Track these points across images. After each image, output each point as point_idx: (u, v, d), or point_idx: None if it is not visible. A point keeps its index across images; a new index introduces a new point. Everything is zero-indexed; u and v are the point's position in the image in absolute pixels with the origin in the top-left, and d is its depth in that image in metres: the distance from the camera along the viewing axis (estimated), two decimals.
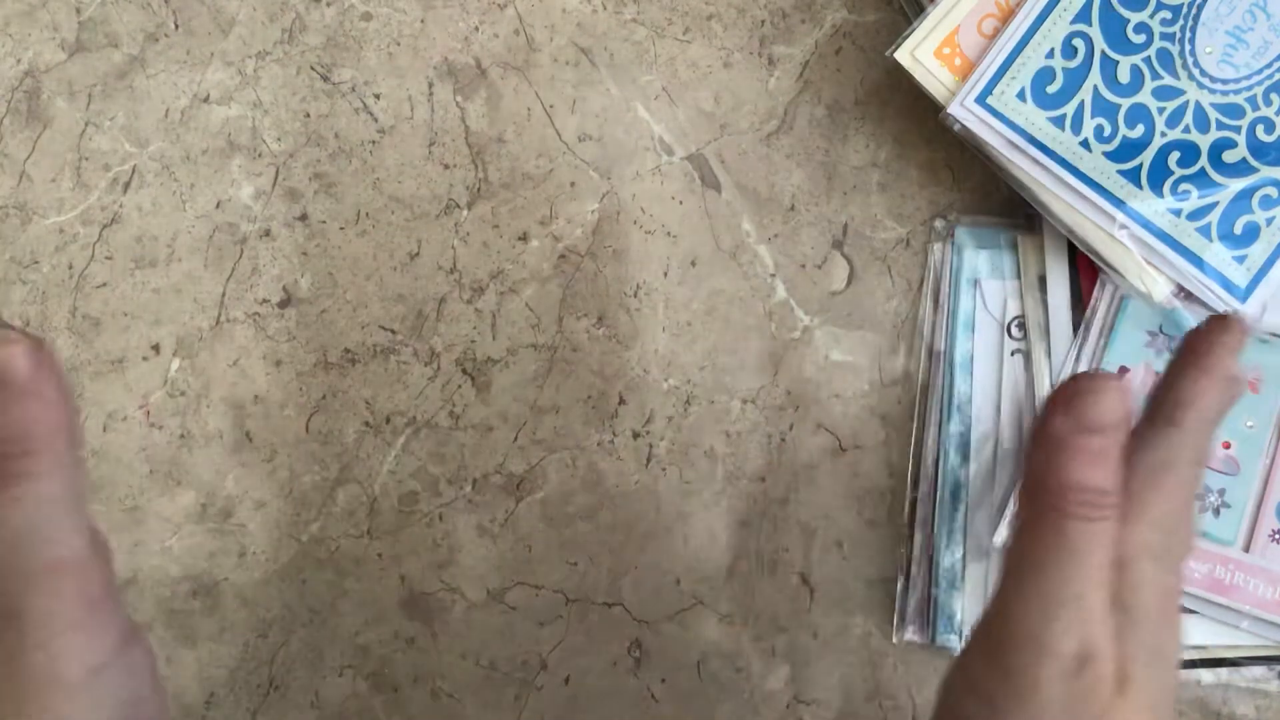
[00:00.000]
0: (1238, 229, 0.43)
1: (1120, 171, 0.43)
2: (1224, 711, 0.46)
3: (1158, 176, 0.43)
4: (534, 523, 0.47)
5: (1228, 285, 0.43)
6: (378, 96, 0.48)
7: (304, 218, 0.47)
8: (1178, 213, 0.43)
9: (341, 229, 0.47)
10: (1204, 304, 0.43)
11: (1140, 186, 0.43)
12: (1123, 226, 0.43)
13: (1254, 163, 0.43)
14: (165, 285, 0.47)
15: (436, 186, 0.48)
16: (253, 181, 0.47)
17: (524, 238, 0.47)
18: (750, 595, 0.47)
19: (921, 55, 0.44)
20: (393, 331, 0.47)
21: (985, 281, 0.46)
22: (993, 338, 0.46)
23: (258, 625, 0.47)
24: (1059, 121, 0.43)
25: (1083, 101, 0.43)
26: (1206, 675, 0.44)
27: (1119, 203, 0.43)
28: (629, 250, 0.47)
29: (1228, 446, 0.44)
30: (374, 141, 0.48)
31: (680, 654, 0.47)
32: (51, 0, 0.48)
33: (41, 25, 0.48)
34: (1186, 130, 0.43)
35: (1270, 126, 0.43)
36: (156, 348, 0.47)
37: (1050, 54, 0.43)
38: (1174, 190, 0.43)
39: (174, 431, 0.47)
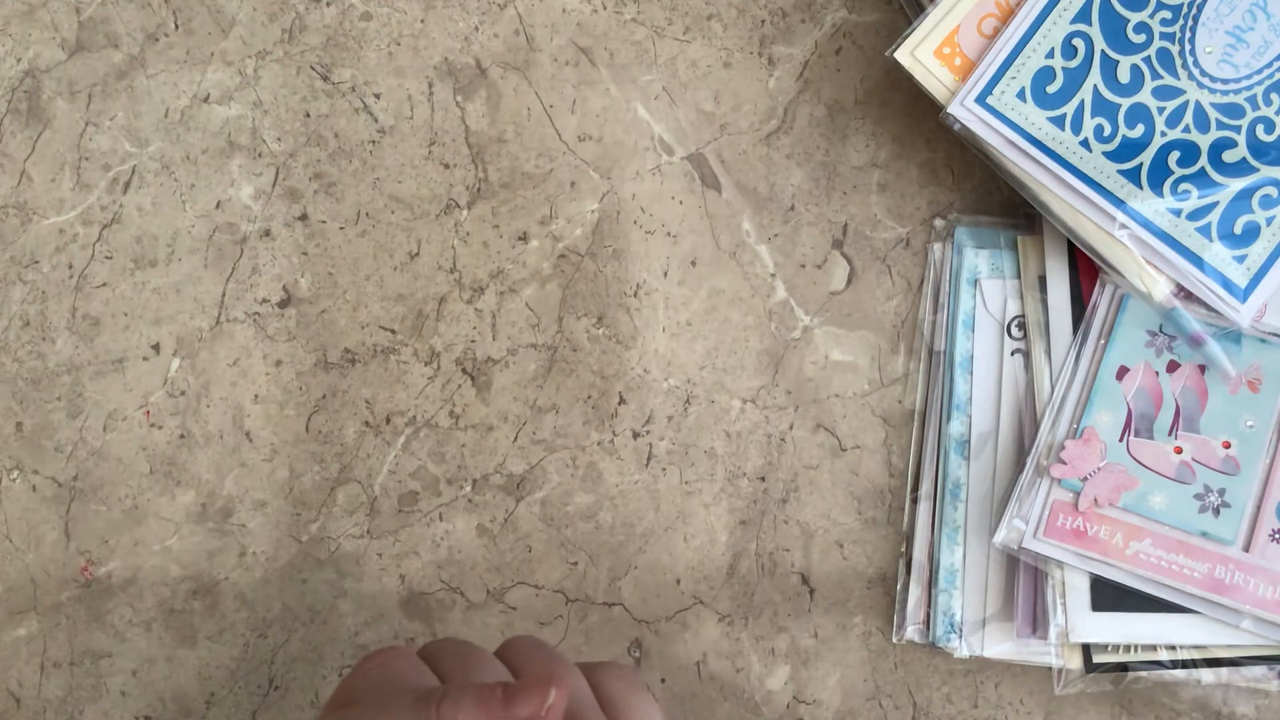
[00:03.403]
0: (1238, 229, 0.43)
1: (1120, 171, 0.43)
2: (1224, 711, 0.46)
3: (1158, 176, 0.43)
4: (534, 523, 0.47)
5: (1228, 285, 0.43)
6: (378, 96, 0.48)
7: (304, 218, 0.47)
8: (1178, 213, 0.43)
9: (341, 229, 0.47)
10: (1204, 304, 0.43)
11: (1140, 186, 0.43)
12: (1123, 226, 0.43)
13: (1254, 163, 0.43)
14: (165, 285, 0.47)
15: (436, 186, 0.48)
16: (253, 181, 0.47)
17: (524, 238, 0.47)
18: (750, 595, 0.47)
19: (921, 55, 0.44)
20: (393, 331, 0.47)
21: (985, 281, 0.46)
22: (993, 338, 0.46)
23: (258, 625, 0.47)
24: (1059, 121, 0.43)
25: (1083, 101, 0.43)
26: (1206, 675, 0.44)
27: (1119, 202, 0.43)
28: (629, 250, 0.47)
29: (1228, 446, 0.44)
30: (374, 141, 0.48)
31: (680, 654, 0.47)
32: (51, 0, 0.48)
33: (41, 25, 0.48)
34: (1186, 130, 0.43)
35: (1270, 126, 0.43)
36: (156, 348, 0.47)
37: (1050, 54, 0.43)
38: (1174, 190, 0.43)
39: (174, 431, 0.47)
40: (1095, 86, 0.43)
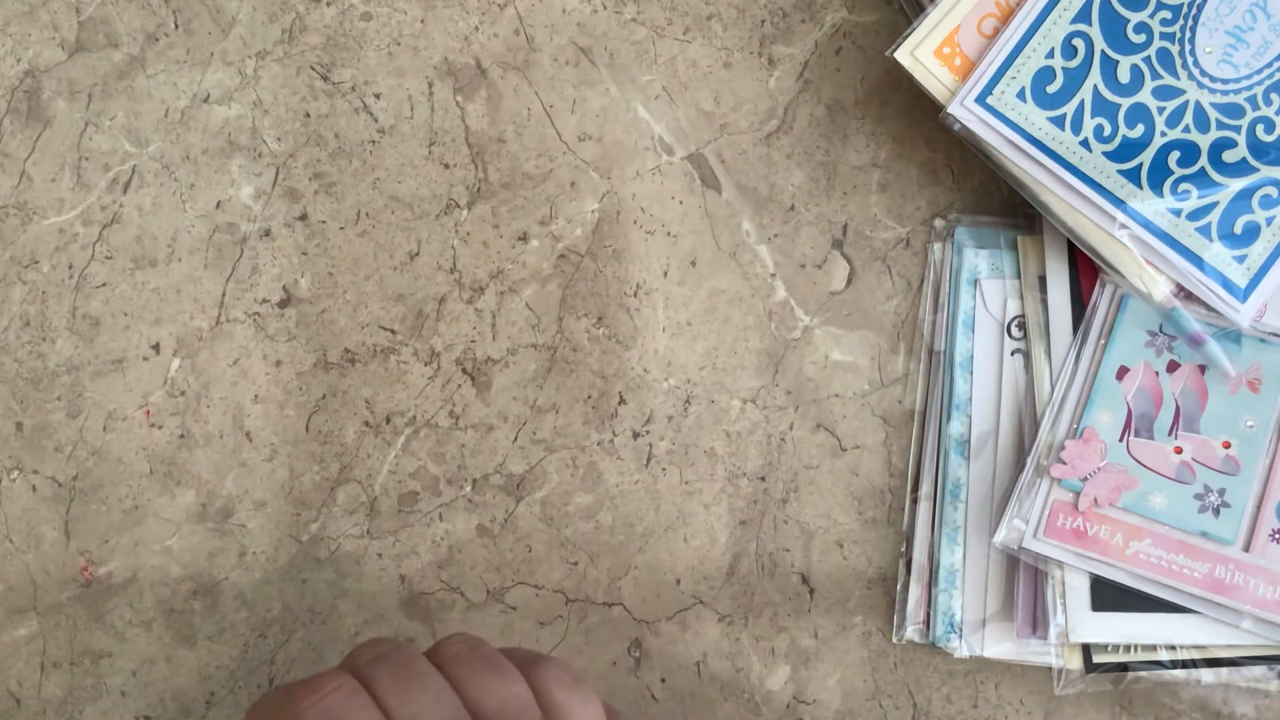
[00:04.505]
0: (1238, 229, 0.43)
1: (1120, 171, 0.43)
2: (1224, 711, 0.46)
3: (1158, 176, 0.43)
4: (534, 523, 0.47)
5: (1228, 285, 0.43)
6: (378, 96, 0.48)
7: (304, 218, 0.47)
8: (1178, 213, 0.43)
9: (341, 229, 0.47)
10: (1204, 304, 0.43)
11: (1140, 186, 0.43)
12: (1123, 226, 0.43)
13: (1254, 163, 0.43)
14: (165, 285, 0.47)
15: (436, 186, 0.48)
16: (253, 181, 0.47)
17: (524, 238, 0.47)
18: (750, 595, 0.47)
19: (921, 55, 0.44)
20: (393, 331, 0.47)
21: (985, 281, 0.46)
22: (993, 338, 0.46)
23: (258, 625, 0.47)
24: (1059, 121, 0.43)
25: (1083, 101, 0.43)
26: (1206, 675, 0.44)
27: (1119, 202, 0.43)
28: (629, 250, 0.47)
29: (1228, 446, 0.44)
30: (374, 141, 0.48)
31: (680, 654, 0.47)
32: (51, 0, 0.48)
33: (41, 25, 0.48)
34: (1186, 130, 0.43)
35: (1270, 126, 0.43)
36: (156, 348, 0.47)
37: (1050, 54, 0.43)
38: (1174, 190, 0.43)
39: (174, 431, 0.47)
40: (1095, 86, 0.43)
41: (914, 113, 0.47)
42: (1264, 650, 0.44)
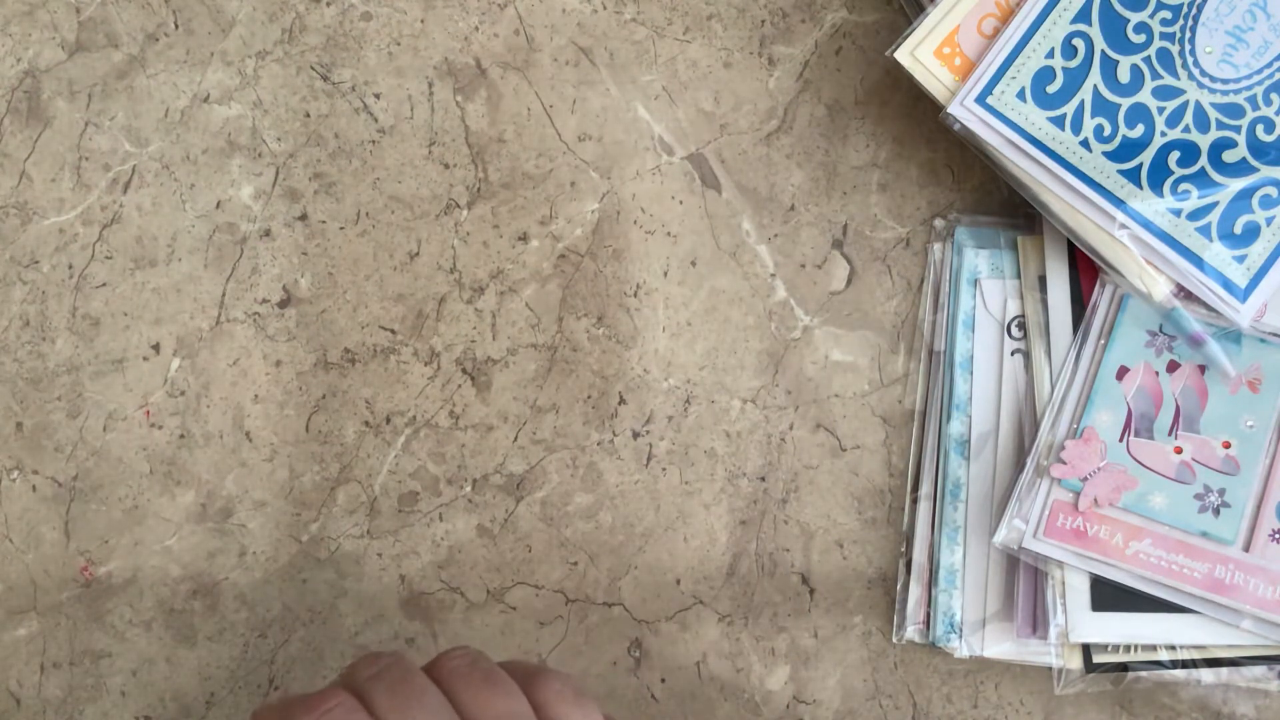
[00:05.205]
0: (1238, 229, 0.43)
1: (1120, 171, 0.43)
2: (1224, 711, 0.46)
3: (1158, 176, 0.43)
4: (534, 523, 0.47)
5: (1228, 285, 0.43)
6: (378, 96, 0.48)
7: (304, 218, 0.47)
8: (1178, 212, 0.43)
9: (341, 229, 0.47)
10: (1204, 304, 0.43)
11: (1140, 186, 0.43)
12: (1123, 226, 0.43)
13: (1254, 163, 0.43)
14: (165, 285, 0.47)
15: (436, 186, 0.48)
16: (253, 181, 0.47)
17: (524, 238, 0.47)
18: (750, 595, 0.47)
19: (921, 55, 0.44)
20: (393, 331, 0.47)
21: (985, 281, 0.46)
22: (993, 338, 0.46)
23: (258, 625, 0.47)
24: (1059, 121, 0.43)
25: (1083, 101, 0.43)
26: (1206, 675, 0.44)
27: (1119, 202, 0.43)
28: (629, 250, 0.47)
29: (1228, 446, 0.44)
30: (374, 141, 0.48)
31: (680, 654, 0.47)
32: (51, 0, 0.48)
33: (41, 25, 0.48)
34: (1186, 130, 0.43)
35: (1270, 126, 0.43)
36: (156, 348, 0.47)
37: (1050, 54, 0.43)
38: (1174, 190, 0.43)
39: (174, 431, 0.47)
40: (1095, 86, 0.43)
41: (914, 113, 0.47)
42: (1264, 650, 0.44)
